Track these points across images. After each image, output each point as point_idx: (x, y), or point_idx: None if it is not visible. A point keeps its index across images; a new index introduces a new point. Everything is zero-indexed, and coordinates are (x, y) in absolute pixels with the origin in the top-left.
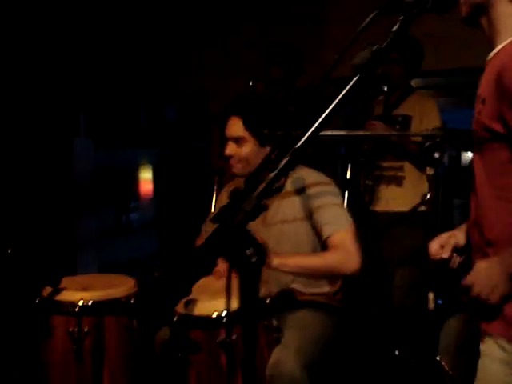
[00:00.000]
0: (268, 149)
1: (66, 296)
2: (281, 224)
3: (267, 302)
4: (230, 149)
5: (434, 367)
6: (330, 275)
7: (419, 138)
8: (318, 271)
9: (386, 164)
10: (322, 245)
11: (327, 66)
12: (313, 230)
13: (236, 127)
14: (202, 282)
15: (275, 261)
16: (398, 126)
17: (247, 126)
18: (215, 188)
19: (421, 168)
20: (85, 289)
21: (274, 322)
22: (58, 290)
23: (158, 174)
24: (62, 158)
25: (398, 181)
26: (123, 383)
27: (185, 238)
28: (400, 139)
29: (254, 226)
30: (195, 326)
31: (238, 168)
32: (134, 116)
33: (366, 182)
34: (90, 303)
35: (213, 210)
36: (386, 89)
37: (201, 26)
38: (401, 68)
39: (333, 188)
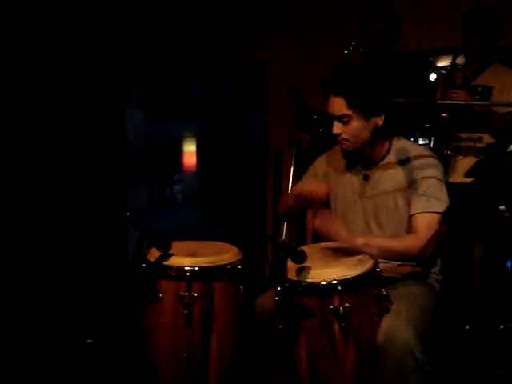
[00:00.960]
0: (375, 118)
1: (175, 261)
2: (381, 196)
3: (378, 271)
4: (337, 128)
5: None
6: (402, 259)
7: (502, 110)
8: (393, 255)
9: (464, 135)
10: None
11: None
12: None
13: (339, 106)
14: (312, 249)
15: (360, 240)
16: (477, 97)
17: (350, 104)
18: (293, 159)
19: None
20: (192, 254)
21: (383, 291)
22: (166, 255)
23: (202, 146)
24: (114, 128)
25: (477, 152)
26: (230, 348)
27: (227, 211)
28: (482, 110)
29: (351, 198)
30: (308, 293)
31: (347, 145)
32: (186, 88)
33: (445, 151)
34: (199, 268)
35: (291, 181)
36: (462, 60)
37: None
38: (480, 38)
39: (437, 162)
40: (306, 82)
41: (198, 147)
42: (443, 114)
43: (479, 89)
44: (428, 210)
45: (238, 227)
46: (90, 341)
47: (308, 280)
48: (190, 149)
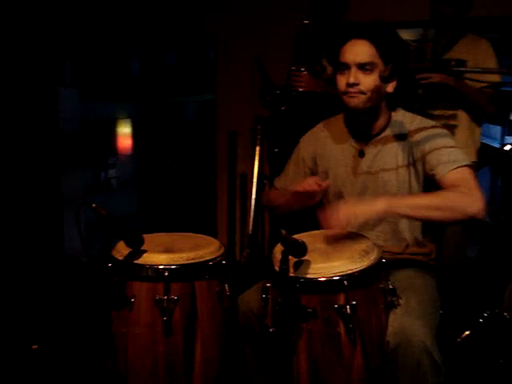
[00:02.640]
0: (388, 83)
1: (149, 259)
2: (380, 173)
3: (384, 262)
4: (355, 77)
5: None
6: (450, 217)
7: (478, 84)
8: (436, 211)
9: (437, 112)
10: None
11: None
12: (417, 179)
13: (367, 52)
14: (306, 239)
15: (382, 203)
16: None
17: (381, 51)
18: (258, 138)
19: (475, 116)
20: (168, 250)
21: (390, 284)
22: (136, 252)
23: (138, 128)
24: (45, 109)
25: (450, 130)
26: (217, 358)
27: (165, 196)
28: (458, 84)
29: (345, 174)
30: (308, 291)
31: (359, 99)
32: (125, 64)
33: None
34: (178, 266)
35: (257, 162)
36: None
37: None
38: (451, 9)
39: (442, 130)
40: (261, 55)
41: (134, 129)
42: (419, 91)
43: (453, 63)
44: (459, 165)
45: (178, 212)
46: (35, 347)
47: (308, 276)
48: (125, 131)
